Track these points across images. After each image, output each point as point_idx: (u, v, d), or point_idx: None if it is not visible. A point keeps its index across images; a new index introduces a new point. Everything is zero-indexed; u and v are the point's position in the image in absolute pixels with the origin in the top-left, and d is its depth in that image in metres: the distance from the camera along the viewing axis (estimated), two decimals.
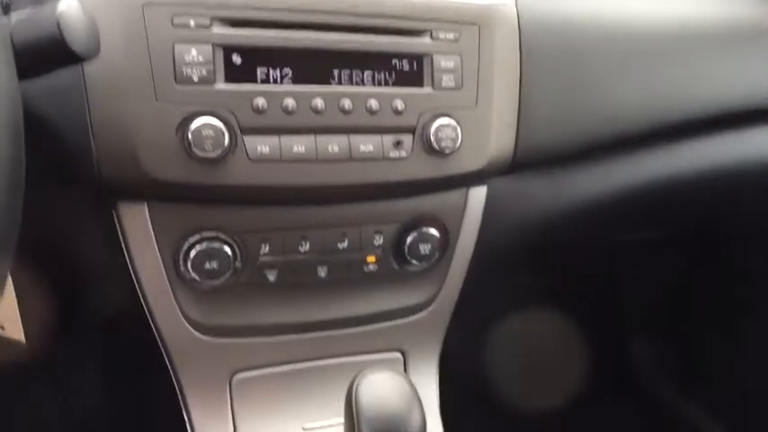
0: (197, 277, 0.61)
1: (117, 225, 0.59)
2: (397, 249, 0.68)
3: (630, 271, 1.45)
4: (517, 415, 1.36)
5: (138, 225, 0.59)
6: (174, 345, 0.65)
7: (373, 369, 0.52)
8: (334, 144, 0.59)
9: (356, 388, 0.51)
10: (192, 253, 0.60)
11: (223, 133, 0.55)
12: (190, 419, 0.67)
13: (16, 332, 0.67)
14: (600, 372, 1.46)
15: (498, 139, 0.66)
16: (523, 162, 0.70)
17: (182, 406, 0.68)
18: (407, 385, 0.52)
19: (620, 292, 1.49)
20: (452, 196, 0.69)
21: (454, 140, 0.62)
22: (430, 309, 0.72)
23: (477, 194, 0.70)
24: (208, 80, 0.55)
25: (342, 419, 0.54)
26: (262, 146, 0.57)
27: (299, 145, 0.58)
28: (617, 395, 1.46)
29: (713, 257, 1.33)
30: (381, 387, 0.51)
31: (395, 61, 0.60)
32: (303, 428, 0.68)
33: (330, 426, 0.67)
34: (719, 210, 0.97)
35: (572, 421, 1.36)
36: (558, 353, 1.50)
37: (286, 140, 0.58)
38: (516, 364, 1.47)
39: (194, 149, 0.54)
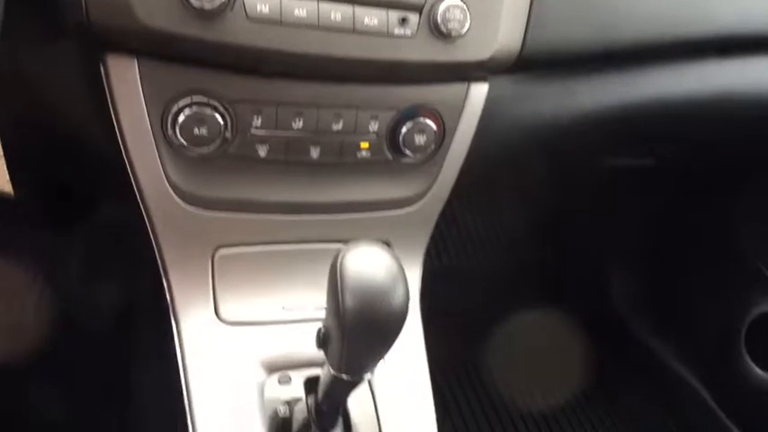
0: (185, 143, 0.59)
1: (104, 80, 0.57)
2: (391, 138, 0.66)
3: (616, 205, 1.46)
4: (492, 340, 1.39)
5: (126, 81, 0.57)
6: (158, 214, 0.64)
7: (361, 242, 0.51)
8: (337, 12, 0.56)
9: (343, 257, 0.50)
10: (181, 117, 0.58)
11: None
12: (171, 294, 0.66)
13: (4, 183, 0.66)
14: (578, 308, 1.49)
15: (507, 29, 0.63)
16: (530, 59, 0.67)
17: (163, 283, 0.68)
18: (395, 262, 0.51)
19: (604, 227, 1.50)
20: (453, 89, 0.67)
21: (461, 23, 0.59)
22: (419, 204, 0.72)
23: (478, 92, 0.68)
24: None
25: (322, 303, 0.53)
26: (262, 5, 0.54)
27: (300, 8, 0.55)
28: (593, 330, 1.49)
29: (698, 195, 1.33)
30: (368, 260, 0.50)
31: None
32: (283, 308, 0.68)
33: (310, 307, 0.67)
34: (716, 137, 0.97)
35: (547, 351, 1.39)
36: (536, 284, 1.53)
37: (287, 2, 0.55)
38: (494, 289, 1.49)
39: None
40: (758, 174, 1.21)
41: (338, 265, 0.49)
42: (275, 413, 0.63)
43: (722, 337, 1.28)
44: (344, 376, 0.53)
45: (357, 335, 0.49)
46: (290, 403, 0.65)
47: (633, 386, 1.36)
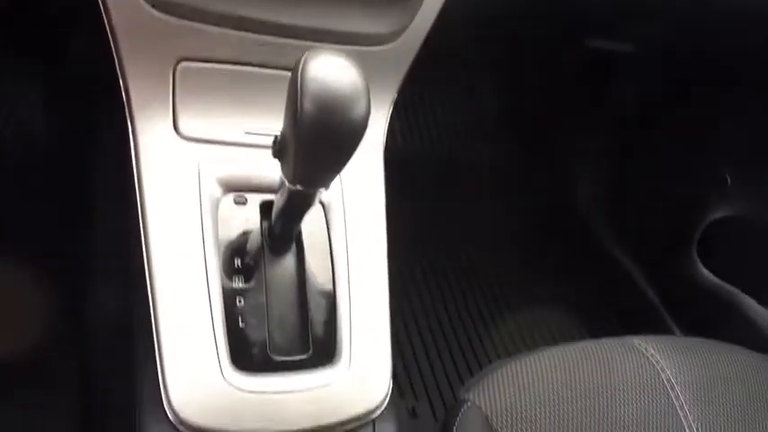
0: None
1: None
2: None
3: (591, 100, 1.45)
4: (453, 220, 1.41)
5: None
6: (120, 18, 0.61)
7: (327, 49, 0.50)
8: None
9: (305, 61, 0.48)
10: None
11: None
12: (129, 105, 0.64)
13: None
14: (541, 201, 1.51)
15: None
16: None
17: (124, 102, 0.65)
18: (360, 74, 0.50)
19: (576, 122, 1.50)
20: None
21: None
22: (395, 43, 0.69)
23: None
24: None
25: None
26: None
27: None
28: (552, 222, 1.52)
29: (673, 97, 1.33)
30: (332, 66, 0.48)
31: None
32: (245, 132, 0.67)
33: (274, 133, 0.67)
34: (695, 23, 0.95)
35: (504, 233, 1.42)
36: (504, 176, 1.54)
37: None
38: (460, 179, 1.50)
39: None
40: (741, 90, 1.21)
41: (300, 68, 0.47)
42: (229, 235, 0.63)
43: (675, 239, 1.33)
44: (299, 187, 0.53)
45: (313, 142, 0.48)
46: (246, 233, 0.65)
47: (579, 275, 1.41)
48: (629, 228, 1.45)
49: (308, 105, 0.47)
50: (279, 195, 0.58)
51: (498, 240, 1.42)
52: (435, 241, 1.34)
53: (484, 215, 1.43)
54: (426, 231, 1.34)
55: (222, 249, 0.62)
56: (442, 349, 1.19)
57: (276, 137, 0.52)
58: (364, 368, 0.62)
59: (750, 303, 1.20)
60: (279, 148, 0.52)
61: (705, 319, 1.27)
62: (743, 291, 1.22)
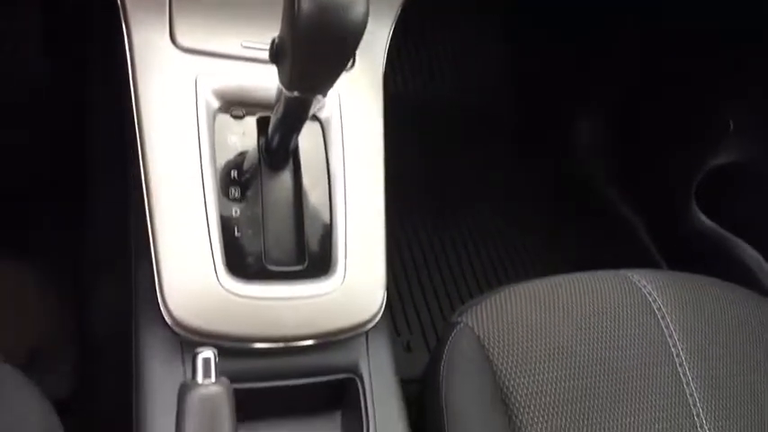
0: None
1: None
2: None
3: (596, 45, 1.43)
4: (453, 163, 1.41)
5: None
6: None
7: None
8: None
9: None
10: None
11: None
12: (125, 17, 0.63)
13: None
14: (541, 150, 1.51)
15: None
16: None
17: (120, 13, 0.65)
18: None
19: (580, 67, 1.49)
20: None
21: None
22: None
23: None
24: None
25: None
26: None
27: None
28: (552, 170, 1.52)
29: (680, 38, 1.31)
30: None
31: None
32: (243, 45, 0.66)
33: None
34: None
35: (502, 179, 1.42)
36: (505, 121, 1.53)
37: None
38: (461, 121, 1.49)
39: None
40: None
41: None
42: (225, 148, 0.63)
43: (676, 186, 1.32)
44: (296, 93, 0.53)
45: (311, 42, 0.48)
46: (243, 147, 0.65)
47: (578, 224, 1.41)
48: (630, 176, 1.44)
49: (305, 4, 0.46)
50: (276, 107, 0.57)
51: (497, 187, 1.42)
52: (433, 183, 1.34)
53: (484, 161, 1.43)
54: (424, 174, 1.34)
55: (219, 161, 0.62)
56: (437, 285, 1.21)
57: (273, 39, 0.52)
58: (358, 281, 0.63)
59: (744, 247, 1.21)
60: (276, 51, 0.52)
61: (702, 266, 1.27)
62: (740, 236, 1.22)
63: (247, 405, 0.55)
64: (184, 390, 0.46)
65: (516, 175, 1.46)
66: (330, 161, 0.66)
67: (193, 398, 0.45)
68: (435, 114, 1.49)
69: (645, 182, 1.42)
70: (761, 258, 1.23)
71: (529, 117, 1.55)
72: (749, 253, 1.24)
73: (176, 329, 0.57)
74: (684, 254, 1.32)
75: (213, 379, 0.46)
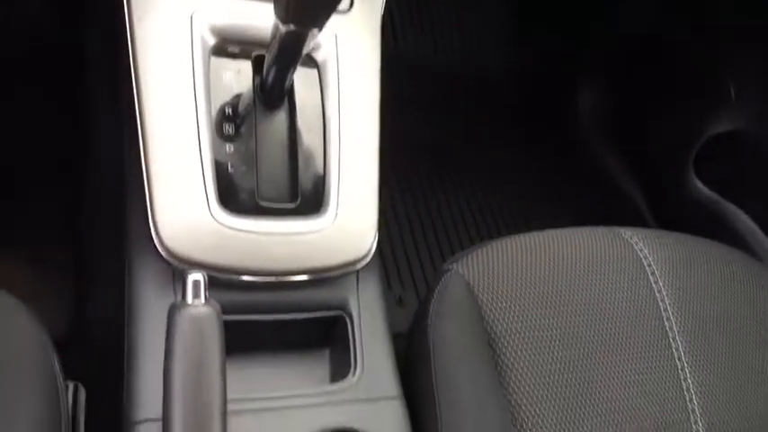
0: None
1: None
2: None
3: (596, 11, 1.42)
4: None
5: None
6: None
7: None
8: None
9: None
10: None
11: None
12: None
13: None
14: (542, 116, 1.50)
15: None
16: None
17: None
18: None
19: (582, 34, 1.47)
20: None
21: None
22: None
23: None
24: None
25: None
26: None
27: None
28: (552, 135, 1.51)
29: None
30: None
31: None
32: None
33: None
34: None
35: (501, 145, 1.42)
36: (505, 86, 1.52)
37: None
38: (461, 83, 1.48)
39: None
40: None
41: None
42: (220, 84, 0.63)
43: (674, 154, 1.32)
44: (291, 27, 0.52)
45: None
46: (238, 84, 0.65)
47: (577, 188, 1.41)
48: (629, 143, 1.44)
49: None
50: (271, 43, 0.57)
51: (496, 148, 1.42)
52: (430, 143, 1.34)
53: (483, 123, 1.42)
54: (422, 133, 1.34)
55: (213, 98, 0.62)
56: (431, 242, 1.21)
57: None
58: (350, 220, 0.63)
59: (740, 216, 1.21)
60: None
61: (697, 232, 1.28)
62: (736, 205, 1.23)
63: (236, 338, 0.56)
64: (174, 310, 0.47)
65: (515, 138, 1.46)
66: (325, 103, 0.66)
67: (183, 317, 0.46)
68: (435, 76, 1.48)
69: (644, 148, 1.42)
70: (756, 228, 1.24)
71: (530, 81, 1.54)
72: (744, 222, 1.25)
73: (168, 258, 0.57)
74: (680, 221, 1.33)
75: (203, 300, 0.47)
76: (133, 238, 0.60)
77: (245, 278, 0.60)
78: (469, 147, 1.41)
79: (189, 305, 0.46)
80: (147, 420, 0.54)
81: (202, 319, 0.46)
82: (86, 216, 0.87)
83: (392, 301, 1.14)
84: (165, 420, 0.47)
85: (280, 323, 0.62)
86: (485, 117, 1.45)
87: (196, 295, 0.47)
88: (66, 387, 0.59)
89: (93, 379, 0.64)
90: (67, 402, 0.58)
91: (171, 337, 0.47)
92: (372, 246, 0.65)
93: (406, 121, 1.07)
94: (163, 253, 0.57)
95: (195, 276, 0.47)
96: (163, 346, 0.48)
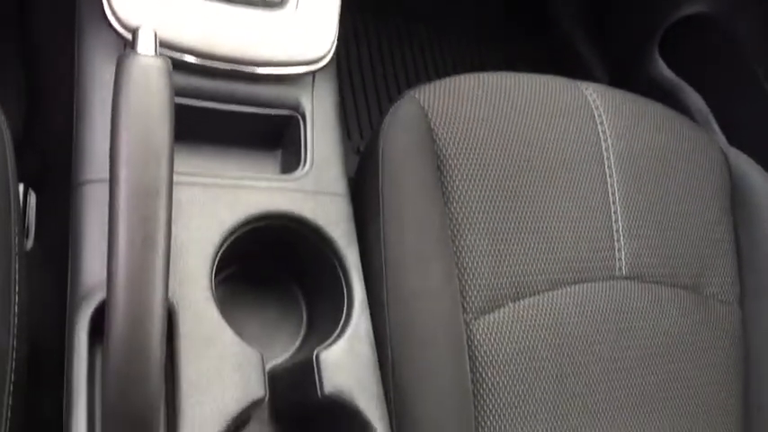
0: None
1: None
2: None
3: None
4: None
5: None
6: None
7: None
8: None
9: None
10: None
11: None
12: None
13: None
14: None
15: None
16: None
17: None
18: None
19: None
20: None
21: None
22: None
23: None
24: None
25: None
26: None
27: None
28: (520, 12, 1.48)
29: None
30: None
31: None
32: None
33: None
34: None
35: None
36: None
37: None
38: None
39: None
40: None
41: None
42: None
43: (640, 31, 1.32)
44: None
45: None
46: None
47: (538, 60, 1.40)
48: (598, 17, 1.42)
49: None
50: None
51: (468, 20, 1.39)
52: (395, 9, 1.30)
53: None
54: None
55: None
56: (393, 93, 1.21)
57: None
58: (310, 18, 0.62)
59: (696, 99, 1.23)
60: None
61: None
62: (694, 88, 1.24)
63: (188, 126, 0.56)
64: (122, 59, 0.45)
65: (484, 15, 1.43)
66: None
67: (131, 65, 0.44)
68: None
69: (611, 24, 1.41)
70: (709, 113, 1.27)
71: None
72: (699, 106, 1.28)
73: (117, 28, 0.55)
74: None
75: (154, 53, 0.46)
76: (84, 7, 0.58)
77: (192, 59, 0.58)
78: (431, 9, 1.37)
79: (138, 54, 0.45)
80: (92, 181, 0.54)
81: (152, 68, 0.44)
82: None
83: (350, 149, 1.14)
84: (112, 175, 0.44)
85: (231, 114, 0.62)
86: None
87: (147, 49, 0.46)
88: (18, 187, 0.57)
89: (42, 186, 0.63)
90: (19, 202, 0.57)
91: (118, 88, 0.45)
92: (331, 49, 0.64)
93: None
94: (113, 21, 0.55)
95: (147, 30, 0.46)
96: (110, 105, 0.46)
